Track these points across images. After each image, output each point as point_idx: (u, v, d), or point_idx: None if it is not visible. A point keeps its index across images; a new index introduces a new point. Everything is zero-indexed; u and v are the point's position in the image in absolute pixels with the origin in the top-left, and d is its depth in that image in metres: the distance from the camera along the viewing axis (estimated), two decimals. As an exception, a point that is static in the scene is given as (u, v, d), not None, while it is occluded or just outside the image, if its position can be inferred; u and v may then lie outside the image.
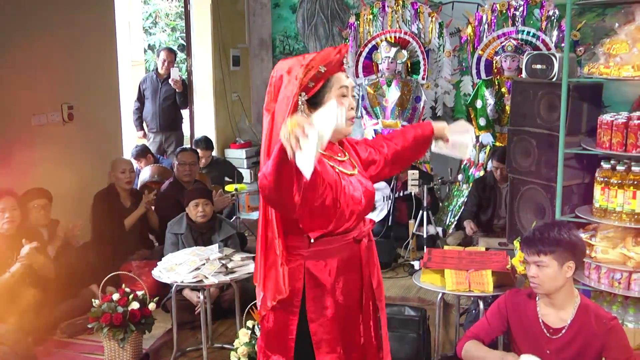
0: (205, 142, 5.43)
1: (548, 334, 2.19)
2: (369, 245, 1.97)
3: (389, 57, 5.58)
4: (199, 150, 5.20)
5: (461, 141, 2.11)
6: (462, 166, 5.72)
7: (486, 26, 5.58)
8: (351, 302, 1.92)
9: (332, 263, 1.86)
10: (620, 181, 2.89)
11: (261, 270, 1.87)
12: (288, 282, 1.83)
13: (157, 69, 6.05)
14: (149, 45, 9.61)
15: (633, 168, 2.87)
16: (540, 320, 2.21)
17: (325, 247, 1.86)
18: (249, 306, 3.02)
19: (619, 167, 2.90)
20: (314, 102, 1.83)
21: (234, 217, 5.08)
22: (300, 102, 1.81)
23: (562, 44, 5.06)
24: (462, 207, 4.95)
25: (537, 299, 2.25)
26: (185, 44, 6.77)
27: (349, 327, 1.92)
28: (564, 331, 2.16)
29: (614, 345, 2.12)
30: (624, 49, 2.97)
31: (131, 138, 6.46)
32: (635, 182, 2.85)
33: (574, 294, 2.20)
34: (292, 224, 1.82)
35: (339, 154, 1.93)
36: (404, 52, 5.65)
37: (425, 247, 4.09)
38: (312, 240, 1.84)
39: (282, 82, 1.82)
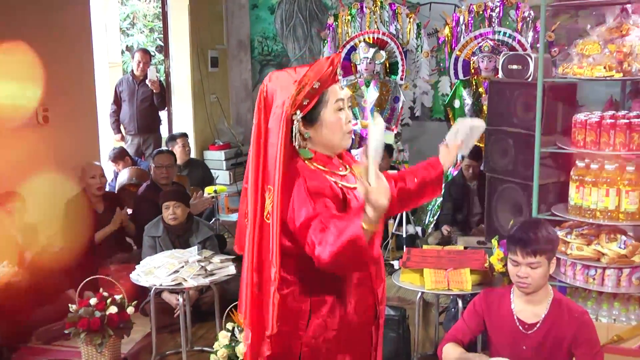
0: (182, 133, 5.54)
1: (523, 330, 2.21)
2: (377, 259, 1.91)
3: (368, 57, 5.60)
4: (179, 139, 5.23)
5: (470, 138, 2.10)
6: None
7: (463, 27, 5.63)
8: (365, 318, 1.84)
9: (341, 279, 1.78)
10: (594, 179, 2.93)
11: (248, 301, 1.75)
12: (278, 314, 1.72)
13: (133, 70, 5.99)
14: (127, 46, 9.49)
15: (606, 166, 2.92)
16: (515, 317, 2.23)
17: None
18: (228, 308, 3.00)
19: (593, 166, 2.95)
20: (310, 119, 1.75)
21: (214, 219, 5.05)
22: (295, 121, 1.73)
23: (538, 45, 5.13)
24: (439, 210, 4.98)
25: (511, 296, 2.27)
26: (163, 45, 6.71)
27: (359, 344, 1.85)
28: (538, 325, 2.19)
29: (583, 338, 2.15)
30: (596, 49, 3.02)
31: (109, 140, 6.39)
32: (609, 180, 2.90)
33: (549, 289, 2.23)
34: (295, 249, 1.74)
35: (340, 168, 1.83)
36: (382, 52, 5.67)
37: (404, 246, 4.11)
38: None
39: (274, 100, 1.72)
